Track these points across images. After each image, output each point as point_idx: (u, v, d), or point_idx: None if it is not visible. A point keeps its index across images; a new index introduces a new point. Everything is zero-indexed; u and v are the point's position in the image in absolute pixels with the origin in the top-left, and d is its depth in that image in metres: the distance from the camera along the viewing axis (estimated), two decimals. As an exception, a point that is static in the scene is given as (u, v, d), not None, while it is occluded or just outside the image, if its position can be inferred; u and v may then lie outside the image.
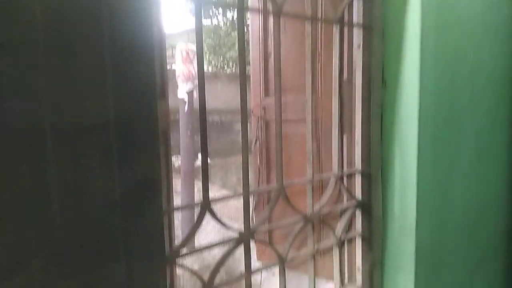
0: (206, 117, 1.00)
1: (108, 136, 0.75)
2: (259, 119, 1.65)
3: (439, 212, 1.48)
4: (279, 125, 1.14)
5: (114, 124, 0.75)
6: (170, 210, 1.01)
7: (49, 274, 0.71)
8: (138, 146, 0.80)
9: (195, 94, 4.60)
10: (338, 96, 1.32)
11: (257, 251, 1.79)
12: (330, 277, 1.48)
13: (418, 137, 1.34)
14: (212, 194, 1.01)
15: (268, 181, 1.73)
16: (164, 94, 1.04)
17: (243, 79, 1.07)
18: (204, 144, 0.99)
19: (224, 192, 6.25)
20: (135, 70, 0.80)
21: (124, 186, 0.78)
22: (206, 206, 1.00)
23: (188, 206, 1.22)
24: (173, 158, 7.35)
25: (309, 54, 1.23)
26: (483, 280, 1.81)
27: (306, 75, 1.25)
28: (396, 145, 1.38)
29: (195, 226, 1.01)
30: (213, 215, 1.04)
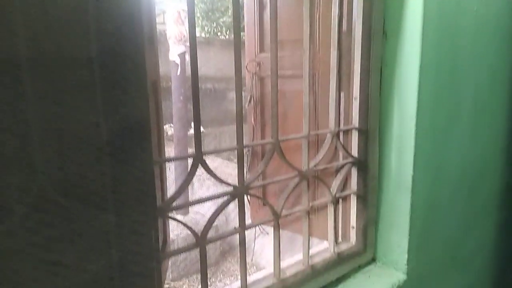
0: (197, 70, 0.94)
1: (92, 74, 0.69)
2: (254, 75, 1.59)
3: (436, 170, 1.46)
4: (275, 75, 1.09)
5: (97, 62, 0.70)
6: (162, 161, 0.97)
7: (33, 221, 0.67)
8: (125, 88, 0.75)
9: (187, 57, 4.48)
10: (337, 48, 1.26)
11: (251, 211, 1.78)
12: (324, 237, 1.48)
13: (418, 93, 1.30)
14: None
15: (263, 139, 1.69)
16: (152, 41, 0.97)
17: (238, 39, 1.00)
18: (196, 94, 0.94)
19: (218, 161, 6.23)
20: (118, 5, 0.73)
21: (111, 130, 0.73)
22: (199, 158, 0.96)
23: (181, 157, 1.18)
24: (166, 127, 7.28)
25: (307, 2, 1.16)
26: (477, 237, 1.83)
27: (303, 25, 1.18)
28: (395, 100, 1.34)
29: (188, 178, 0.98)
30: (206, 168, 1.00)
